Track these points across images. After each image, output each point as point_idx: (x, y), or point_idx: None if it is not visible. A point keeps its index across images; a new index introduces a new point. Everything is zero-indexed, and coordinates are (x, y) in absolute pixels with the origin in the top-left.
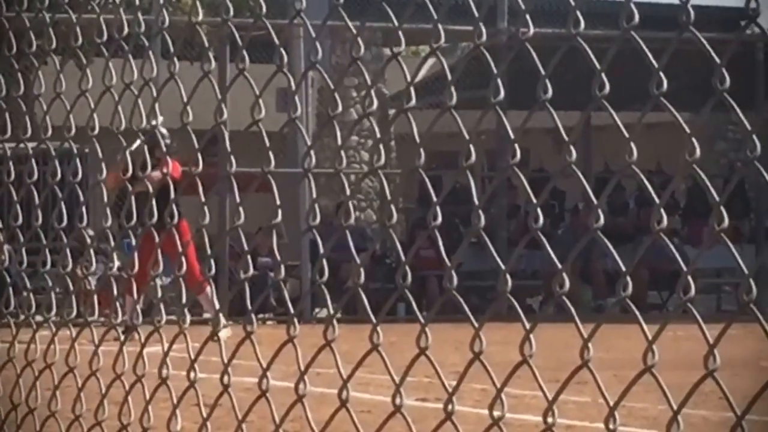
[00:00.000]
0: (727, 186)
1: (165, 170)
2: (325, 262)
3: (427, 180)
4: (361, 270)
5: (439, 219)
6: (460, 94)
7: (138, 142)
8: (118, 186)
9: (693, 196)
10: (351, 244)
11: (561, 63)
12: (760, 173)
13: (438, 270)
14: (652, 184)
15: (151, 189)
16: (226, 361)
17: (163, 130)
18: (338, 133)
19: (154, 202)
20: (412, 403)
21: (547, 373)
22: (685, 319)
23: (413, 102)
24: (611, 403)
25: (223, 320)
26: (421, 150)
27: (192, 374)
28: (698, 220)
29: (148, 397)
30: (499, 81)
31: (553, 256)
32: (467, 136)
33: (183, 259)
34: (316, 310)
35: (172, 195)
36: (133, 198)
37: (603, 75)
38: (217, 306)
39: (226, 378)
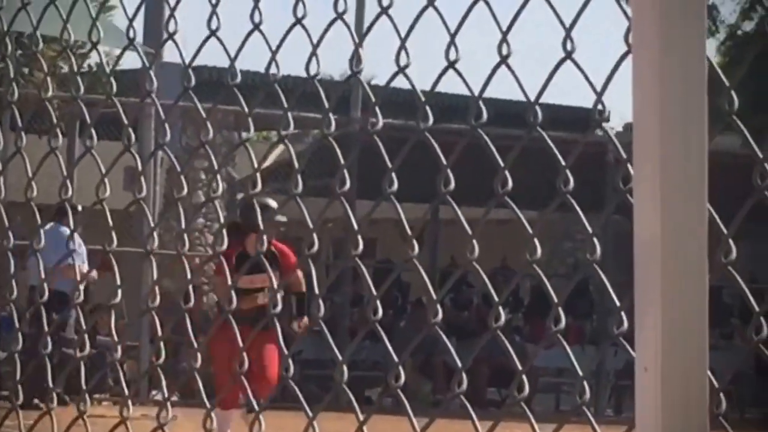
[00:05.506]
0: (567, 286)
1: None
2: (162, 344)
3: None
4: (198, 354)
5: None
6: (309, 181)
7: None
8: None
9: (536, 295)
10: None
11: (411, 156)
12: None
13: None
14: (497, 281)
15: None
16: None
17: None
18: (182, 216)
19: None
20: None
21: None
22: (524, 417)
23: (259, 188)
24: None
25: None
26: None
27: None
28: (541, 318)
29: None
30: (346, 172)
31: (390, 349)
32: (311, 225)
33: None
34: (153, 392)
35: None
36: None
37: (449, 171)
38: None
39: None
